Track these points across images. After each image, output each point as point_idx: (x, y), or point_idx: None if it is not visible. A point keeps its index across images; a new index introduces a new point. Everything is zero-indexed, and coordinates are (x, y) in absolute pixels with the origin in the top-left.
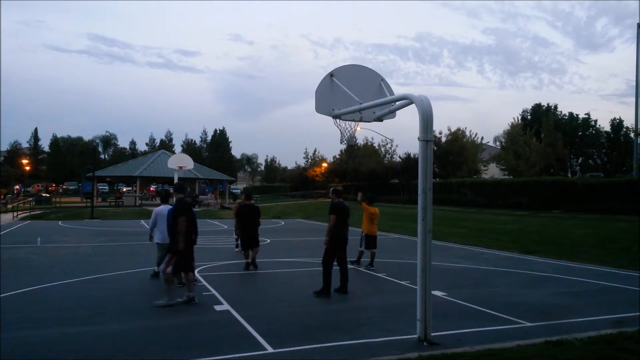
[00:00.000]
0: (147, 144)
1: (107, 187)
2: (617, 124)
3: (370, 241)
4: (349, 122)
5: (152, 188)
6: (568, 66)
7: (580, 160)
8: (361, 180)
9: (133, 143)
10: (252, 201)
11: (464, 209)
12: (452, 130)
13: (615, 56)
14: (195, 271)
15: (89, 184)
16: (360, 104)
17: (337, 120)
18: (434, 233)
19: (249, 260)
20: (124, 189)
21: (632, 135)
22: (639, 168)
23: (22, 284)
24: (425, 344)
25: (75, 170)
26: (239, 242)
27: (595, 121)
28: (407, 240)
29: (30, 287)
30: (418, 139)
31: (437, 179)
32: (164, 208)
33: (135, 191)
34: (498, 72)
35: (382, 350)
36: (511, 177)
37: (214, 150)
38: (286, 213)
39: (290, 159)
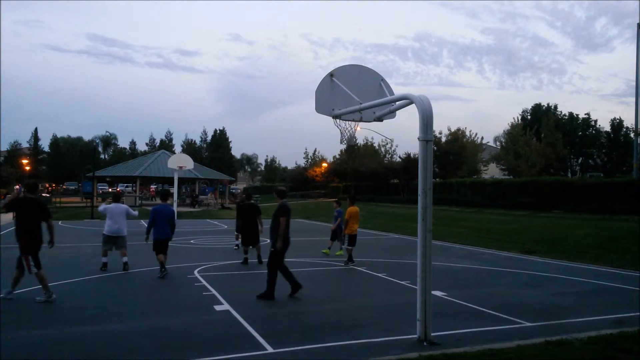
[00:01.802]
0: (147, 144)
1: (107, 187)
2: (617, 124)
3: (353, 239)
4: (349, 122)
5: (152, 188)
6: (568, 66)
7: (580, 160)
8: (361, 181)
9: (133, 143)
10: (252, 200)
11: (464, 209)
12: (452, 130)
13: (615, 56)
14: (196, 271)
15: (89, 183)
16: (360, 104)
17: (337, 120)
18: (434, 233)
19: (247, 256)
20: (118, 189)
21: (632, 135)
22: (639, 168)
23: (22, 284)
24: (425, 344)
25: (75, 170)
26: (240, 240)
27: (595, 121)
28: (407, 240)
29: (30, 287)
30: (418, 139)
31: (437, 179)
32: (115, 206)
33: (135, 191)
34: (498, 72)
35: (382, 350)
36: (511, 177)
37: (214, 150)
38: None
39: (290, 159)
